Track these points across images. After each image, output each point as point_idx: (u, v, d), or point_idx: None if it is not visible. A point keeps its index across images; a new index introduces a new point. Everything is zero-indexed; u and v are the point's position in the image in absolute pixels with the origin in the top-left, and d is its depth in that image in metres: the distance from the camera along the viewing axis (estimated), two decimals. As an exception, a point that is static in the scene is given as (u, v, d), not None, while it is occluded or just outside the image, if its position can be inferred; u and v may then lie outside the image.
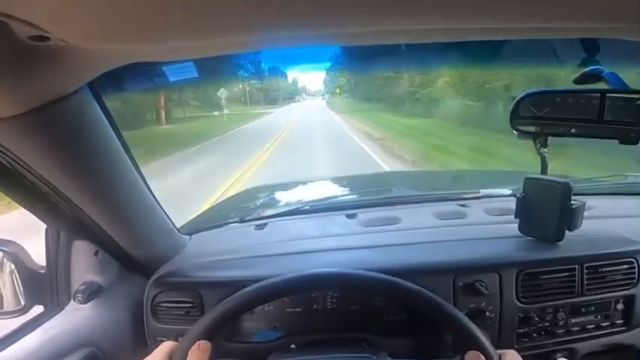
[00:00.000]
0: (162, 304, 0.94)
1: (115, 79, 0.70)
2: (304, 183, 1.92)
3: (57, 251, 0.89)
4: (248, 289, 0.66)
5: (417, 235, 1.06)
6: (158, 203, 0.97)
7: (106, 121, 0.70)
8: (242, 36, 0.45)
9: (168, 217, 1.03)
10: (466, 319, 0.65)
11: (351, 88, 37.66)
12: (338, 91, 42.80)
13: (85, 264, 0.92)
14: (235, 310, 0.64)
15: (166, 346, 0.61)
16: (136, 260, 0.97)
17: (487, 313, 0.92)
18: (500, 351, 0.64)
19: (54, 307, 0.91)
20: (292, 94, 58.85)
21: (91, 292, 0.90)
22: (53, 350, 0.80)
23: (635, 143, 0.82)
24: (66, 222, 0.82)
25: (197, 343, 0.59)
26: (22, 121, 0.55)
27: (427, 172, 4.99)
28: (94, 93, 0.65)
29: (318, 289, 0.78)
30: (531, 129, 0.97)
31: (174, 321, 0.94)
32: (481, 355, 0.61)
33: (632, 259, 0.96)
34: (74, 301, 0.90)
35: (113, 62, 0.54)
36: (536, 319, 0.94)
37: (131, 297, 0.97)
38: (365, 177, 2.13)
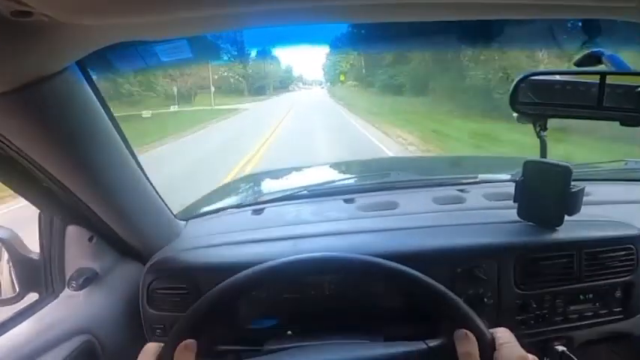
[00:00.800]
0: (158, 291, 0.94)
1: (105, 59, 0.68)
2: (302, 168, 1.90)
3: (50, 237, 0.88)
4: (223, 284, 0.64)
5: (415, 220, 1.05)
6: (154, 188, 0.95)
7: (97, 102, 0.68)
8: (237, 7, 0.43)
9: (164, 202, 1.02)
10: (455, 297, 0.64)
11: (359, 74, 30.17)
12: (342, 78, 35.88)
13: (79, 250, 0.91)
14: (214, 306, 0.63)
15: (151, 348, 0.60)
16: (131, 246, 0.96)
17: (485, 300, 0.92)
18: (492, 329, 0.63)
19: (48, 294, 0.90)
20: (286, 83, 50.18)
21: (86, 279, 0.89)
22: (48, 338, 0.79)
23: (637, 125, 0.81)
24: (59, 207, 0.81)
25: (183, 342, 0.58)
26: (8, 100, 0.53)
27: (426, 157, 4.99)
28: (83, 72, 0.63)
29: (298, 274, 0.77)
30: (531, 111, 0.97)
31: (170, 307, 0.93)
32: (469, 332, 0.60)
33: (631, 245, 0.96)
34: (68, 288, 0.89)
35: (101, 40, 0.52)
36: (535, 305, 0.94)
37: (126, 283, 0.96)
38: (363, 162, 2.13)
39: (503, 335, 0.62)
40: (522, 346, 0.60)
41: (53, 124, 0.62)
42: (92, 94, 0.67)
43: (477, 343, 0.60)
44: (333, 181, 1.42)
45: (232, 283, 0.63)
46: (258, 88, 38.30)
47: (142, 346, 0.61)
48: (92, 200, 0.80)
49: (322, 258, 0.66)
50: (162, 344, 0.60)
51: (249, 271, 0.64)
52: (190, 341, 0.58)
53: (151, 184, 0.94)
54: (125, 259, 0.99)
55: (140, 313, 0.95)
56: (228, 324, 0.94)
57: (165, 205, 1.03)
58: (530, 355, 0.60)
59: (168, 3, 0.39)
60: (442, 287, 0.64)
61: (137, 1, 0.38)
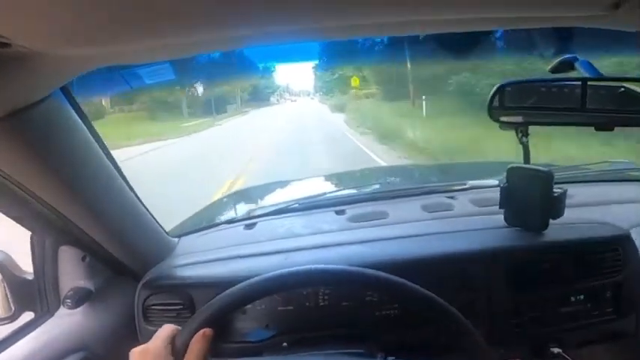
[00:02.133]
0: (153, 307, 0.94)
1: (88, 83, 0.70)
2: (293, 182, 1.91)
3: (43, 258, 0.89)
4: (251, 281, 0.65)
5: (406, 229, 1.06)
6: (144, 206, 0.96)
7: (83, 126, 0.70)
8: (214, 32, 0.44)
9: (155, 220, 1.03)
10: (459, 314, 0.65)
11: (383, 77, 18.09)
12: (355, 83, 21.63)
13: (72, 269, 0.91)
14: (239, 302, 0.63)
15: (168, 329, 0.59)
16: (124, 264, 0.97)
17: (478, 306, 0.92)
18: None
19: (44, 313, 0.90)
20: (264, 94, 38.74)
21: (80, 297, 0.89)
22: (45, 356, 0.79)
23: (611, 129, 0.83)
24: (50, 229, 0.82)
25: (202, 330, 0.57)
26: None
27: (415, 165, 5.01)
28: (68, 97, 0.65)
29: (302, 287, 0.77)
30: (513, 119, 0.98)
31: (166, 323, 0.93)
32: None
33: (617, 246, 0.97)
34: (64, 306, 0.89)
35: (81, 67, 0.54)
36: (527, 309, 0.95)
37: (122, 300, 0.97)
38: (353, 173, 2.14)
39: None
40: (518, 349, 0.60)
41: (40, 149, 0.63)
42: (77, 117, 0.68)
43: None
44: (324, 193, 1.43)
45: (258, 284, 0.64)
46: (210, 104, 23.21)
47: None
48: (83, 221, 0.81)
49: (323, 270, 0.68)
50: (179, 327, 0.59)
51: (284, 271, 0.66)
52: (211, 330, 0.57)
53: (142, 202, 0.95)
54: (119, 276, 0.99)
55: (136, 329, 0.95)
56: (223, 337, 0.94)
57: (157, 222, 1.04)
58: None
59: (146, 29, 0.40)
60: (445, 303, 0.65)
61: (115, 30, 0.39)
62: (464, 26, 0.54)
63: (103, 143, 0.76)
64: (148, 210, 0.98)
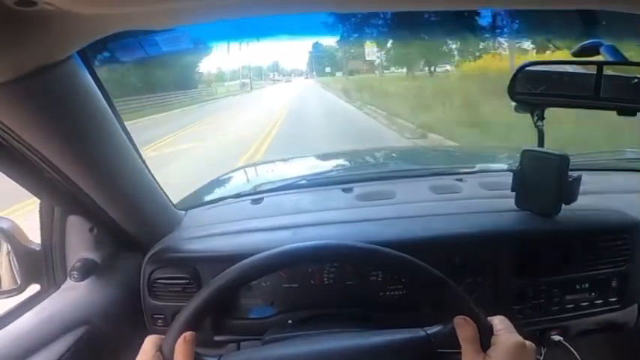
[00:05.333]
0: (158, 281, 0.94)
1: (106, 49, 0.68)
2: (301, 158, 1.91)
3: (51, 228, 0.88)
4: (220, 276, 0.64)
5: (413, 209, 1.06)
6: (154, 179, 0.96)
7: (98, 92, 0.68)
8: None
9: (164, 192, 1.02)
10: (454, 284, 0.64)
11: None
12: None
13: (80, 240, 0.91)
14: (215, 298, 0.63)
15: (153, 340, 0.61)
16: (131, 236, 0.96)
17: (483, 288, 0.92)
18: (489, 317, 0.64)
19: (50, 285, 0.90)
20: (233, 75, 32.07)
21: (87, 270, 0.89)
22: (50, 329, 0.79)
23: (633, 115, 0.82)
24: (60, 197, 0.81)
25: (182, 335, 0.59)
26: (10, 89, 0.53)
27: (424, 147, 4.99)
28: (85, 62, 0.63)
29: (295, 264, 0.76)
30: (530, 100, 0.97)
31: (171, 297, 0.94)
32: (468, 319, 0.61)
33: (626, 235, 0.96)
34: (70, 279, 0.89)
35: (103, 29, 0.52)
36: (532, 295, 0.95)
37: (127, 274, 0.97)
38: (361, 152, 2.13)
39: (501, 322, 0.63)
40: (519, 334, 0.61)
41: (54, 114, 0.62)
42: (94, 83, 0.67)
43: (477, 329, 0.61)
44: (332, 171, 1.43)
45: (230, 275, 0.63)
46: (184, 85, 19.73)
47: (144, 336, 0.62)
48: (93, 190, 0.80)
49: (322, 246, 0.65)
50: (162, 337, 0.61)
51: (247, 261, 0.64)
52: (190, 333, 0.59)
53: (152, 174, 0.94)
54: (126, 249, 0.99)
55: (141, 303, 0.96)
56: (228, 314, 0.95)
57: (165, 195, 1.03)
58: (527, 342, 0.61)
59: None
60: (441, 274, 0.64)
61: None
62: (471, 3, 0.52)
63: (118, 113, 0.75)
64: (157, 182, 0.97)
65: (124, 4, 0.41)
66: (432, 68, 16.96)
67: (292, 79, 38.99)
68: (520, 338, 0.61)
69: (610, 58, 0.86)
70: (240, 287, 0.67)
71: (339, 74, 29.15)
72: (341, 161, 1.82)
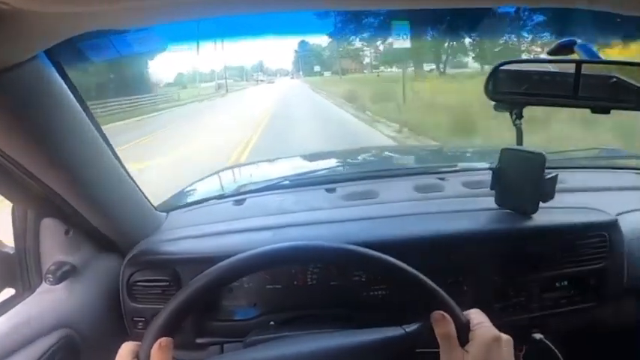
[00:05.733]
0: (138, 284, 0.93)
1: (77, 48, 0.66)
2: (284, 159, 1.90)
3: (25, 231, 0.86)
4: (195, 280, 0.64)
5: (396, 208, 1.06)
6: (132, 180, 0.94)
7: (69, 92, 0.67)
8: None
9: (143, 194, 1.01)
10: (429, 281, 0.64)
11: None
12: None
13: (55, 243, 0.89)
14: (189, 302, 0.62)
15: (130, 346, 0.60)
16: (109, 239, 0.95)
17: (465, 287, 0.93)
18: (465, 312, 0.64)
19: (25, 289, 0.88)
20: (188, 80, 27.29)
21: (63, 273, 0.87)
22: (26, 333, 0.77)
23: (607, 113, 0.83)
24: (32, 200, 0.79)
25: (158, 341, 0.58)
26: None
27: (407, 146, 5.02)
28: (54, 62, 0.62)
29: (273, 266, 0.76)
30: (508, 100, 0.98)
31: (151, 300, 0.93)
32: (445, 314, 0.61)
33: (604, 233, 0.97)
34: (45, 282, 0.87)
35: (69, 30, 0.51)
36: (512, 293, 0.96)
37: (106, 276, 0.95)
38: (346, 152, 2.13)
39: (477, 316, 0.64)
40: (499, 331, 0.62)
41: (22, 115, 0.60)
42: (63, 83, 0.65)
43: (453, 324, 0.61)
44: (316, 171, 1.43)
45: (204, 279, 0.62)
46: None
47: (125, 339, 0.61)
48: (67, 192, 0.78)
49: (293, 247, 0.65)
50: (139, 343, 0.60)
51: (223, 264, 0.63)
52: (166, 339, 0.58)
53: (129, 175, 0.93)
54: (104, 251, 0.97)
55: (121, 305, 0.94)
56: (210, 315, 0.94)
57: (145, 196, 1.02)
58: (504, 335, 0.61)
59: None
60: (416, 272, 0.64)
61: None
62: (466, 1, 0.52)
63: (91, 113, 0.73)
64: (135, 183, 0.95)
65: (85, 4, 0.40)
66: (442, 66, 15.81)
67: (275, 80, 35.14)
68: (497, 331, 0.61)
69: (584, 56, 0.88)
70: (216, 290, 0.66)
71: (327, 74, 27.86)
72: (325, 161, 1.82)
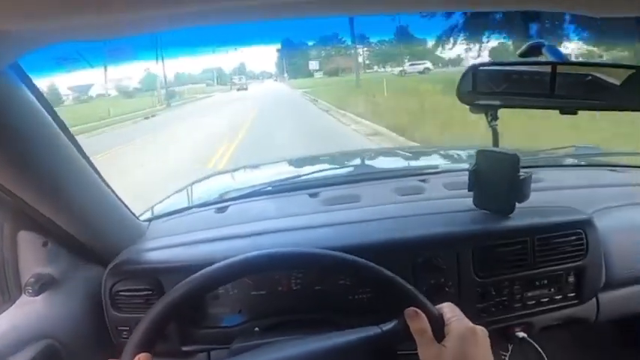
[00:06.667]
0: (120, 293, 0.93)
1: (44, 61, 0.66)
2: (268, 165, 1.90)
3: (2, 244, 0.86)
4: (169, 293, 0.64)
5: (377, 212, 1.07)
6: (111, 189, 0.94)
7: (37, 104, 0.66)
8: (181, 6, 0.42)
9: (124, 203, 1.00)
10: (402, 280, 0.66)
11: None
12: None
13: (33, 256, 0.88)
14: (166, 315, 0.62)
15: None
16: (90, 249, 0.94)
17: (447, 289, 0.94)
18: (437, 306, 0.66)
19: (4, 301, 0.87)
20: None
21: (43, 284, 0.86)
22: (5, 344, 0.77)
23: (575, 114, 0.85)
24: (7, 212, 0.79)
25: (136, 358, 0.58)
26: None
27: (390, 148, 5.05)
28: (20, 75, 0.62)
29: (243, 275, 0.77)
30: (483, 102, 0.99)
31: (135, 309, 0.92)
32: (418, 310, 0.62)
33: (580, 230, 0.98)
34: (25, 294, 0.86)
35: (33, 44, 0.51)
36: (494, 293, 0.96)
37: (88, 287, 0.95)
38: (328, 156, 2.14)
39: (450, 310, 0.65)
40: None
41: None
42: (32, 96, 0.65)
43: (427, 319, 0.62)
44: (298, 176, 1.43)
45: (177, 292, 0.63)
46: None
47: (109, 348, 0.61)
48: (41, 204, 0.78)
49: (257, 256, 0.66)
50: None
51: (191, 279, 0.64)
52: (143, 355, 0.58)
53: (109, 186, 0.93)
54: (85, 262, 0.97)
55: (105, 315, 0.94)
56: (195, 323, 0.94)
57: (126, 206, 1.02)
58: (478, 326, 0.62)
59: (101, 4, 0.38)
60: (387, 271, 0.66)
61: (62, 5, 0.37)
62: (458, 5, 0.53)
63: (63, 123, 0.73)
64: (114, 193, 0.95)
65: (49, 19, 0.40)
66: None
67: (248, 86, 28.88)
68: (470, 324, 0.62)
69: (551, 58, 0.90)
70: (188, 304, 0.66)
71: (318, 75, 24.76)
72: (308, 166, 1.82)
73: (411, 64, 20.29)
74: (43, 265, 0.89)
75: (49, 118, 0.70)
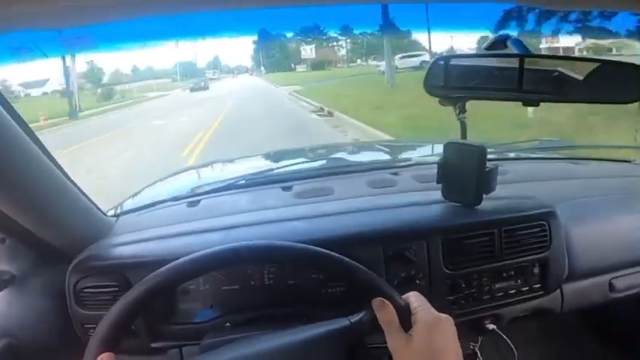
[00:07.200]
0: (85, 290, 0.90)
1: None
2: (241, 158, 1.88)
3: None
4: (133, 289, 0.62)
5: (349, 204, 1.07)
6: (74, 184, 0.91)
7: None
8: None
9: (88, 198, 0.97)
10: (368, 271, 0.66)
11: None
12: None
13: None
14: (128, 313, 0.61)
15: None
16: (52, 246, 0.91)
17: (417, 281, 0.94)
18: (403, 295, 0.66)
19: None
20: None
21: (1, 282, 0.84)
22: None
23: (537, 105, 0.88)
24: None
25: (99, 357, 0.57)
26: None
27: (363, 142, 5.10)
28: None
29: (214, 269, 0.76)
30: (452, 94, 1.01)
31: (102, 306, 0.89)
32: (385, 300, 0.63)
33: (544, 222, 1.00)
34: None
35: None
36: (463, 285, 0.98)
37: (51, 284, 0.92)
38: (302, 150, 2.14)
39: (416, 299, 0.66)
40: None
41: None
42: None
43: (394, 309, 0.63)
44: (272, 170, 1.42)
45: (140, 288, 0.62)
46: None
47: (76, 347, 0.59)
48: None
49: (223, 250, 0.65)
50: None
51: (155, 274, 0.63)
52: (106, 355, 0.57)
53: (72, 181, 0.90)
54: (47, 259, 0.94)
55: (70, 313, 0.91)
56: (165, 319, 0.92)
57: (91, 201, 0.99)
58: (443, 315, 0.64)
59: None
60: (353, 262, 0.66)
61: None
62: None
63: (21, 119, 0.71)
64: (78, 187, 0.92)
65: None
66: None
67: (208, 84, 23.73)
68: (436, 312, 0.63)
69: (515, 51, 0.92)
70: (154, 299, 0.65)
71: (301, 68, 22.52)
72: (281, 159, 1.82)
73: (402, 57, 17.26)
74: (2, 262, 0.87)
75: (5, 114, 0.68)
